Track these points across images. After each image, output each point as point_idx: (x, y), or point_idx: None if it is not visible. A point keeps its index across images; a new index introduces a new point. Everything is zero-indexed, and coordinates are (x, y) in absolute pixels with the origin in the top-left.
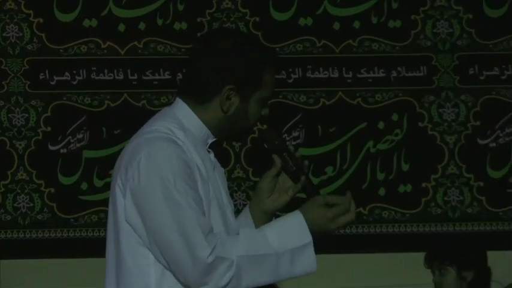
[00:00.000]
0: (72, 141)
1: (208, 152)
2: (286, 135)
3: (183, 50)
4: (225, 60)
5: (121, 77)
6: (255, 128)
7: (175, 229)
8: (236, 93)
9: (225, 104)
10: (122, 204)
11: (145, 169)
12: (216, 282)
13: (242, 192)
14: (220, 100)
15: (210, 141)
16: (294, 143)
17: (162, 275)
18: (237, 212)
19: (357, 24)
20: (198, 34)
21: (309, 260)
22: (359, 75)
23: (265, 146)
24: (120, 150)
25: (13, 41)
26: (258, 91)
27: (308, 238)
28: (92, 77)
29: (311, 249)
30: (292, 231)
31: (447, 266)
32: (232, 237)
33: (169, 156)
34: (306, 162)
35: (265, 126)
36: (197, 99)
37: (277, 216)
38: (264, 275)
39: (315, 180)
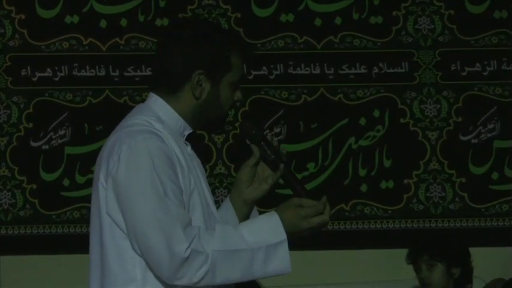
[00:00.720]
0: (54, 137)
1: (186, 144)
2: (268, 131)
3: None
4: (191, 47)
5: (103, 73)
6: (236, 124)
7: (153, 223)
8: (206, 78)
9: (197, 90)
10: (104, 198)
11: (126, 162)
12: (191, 276)
13: (224, 188)
14: (192, 86)
15: (187, 133)
16: (275, 139)
17: (147, 267)
18: (218, 205)
19: (338, 21)
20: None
21: (283, 258)
22: (340, 72)
23: (247, 141)
24: (102, 146)
25: None
26: (227, 73)
27: (283, 236)
28: (74, 73)
29: (285, 247)
30: (267, 229)
31: (436, 262)
32: (208, 232)
33: (150, 148)
34: (285, 151)
35: None
36: (169, 90)
37: (258, 210)
38: (238, 270)
39: (297, 177)
